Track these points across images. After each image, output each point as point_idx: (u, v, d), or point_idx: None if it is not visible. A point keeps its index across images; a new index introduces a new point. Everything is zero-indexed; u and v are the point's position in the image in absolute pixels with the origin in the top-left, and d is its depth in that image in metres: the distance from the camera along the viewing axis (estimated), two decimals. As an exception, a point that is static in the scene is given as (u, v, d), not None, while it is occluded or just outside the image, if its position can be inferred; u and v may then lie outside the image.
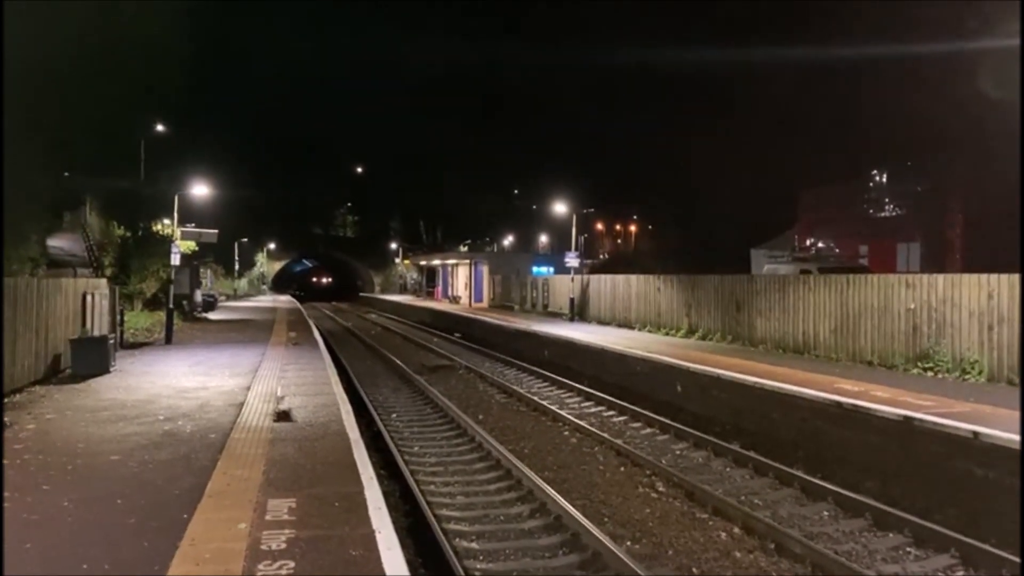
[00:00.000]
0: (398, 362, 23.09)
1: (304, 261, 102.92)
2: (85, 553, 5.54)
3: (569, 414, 14.92)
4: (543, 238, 77.59)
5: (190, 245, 32.78)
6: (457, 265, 55.27)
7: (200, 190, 26.66)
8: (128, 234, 31.76)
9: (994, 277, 13.61)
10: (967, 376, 13.69)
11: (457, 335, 32.60)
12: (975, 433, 9.24)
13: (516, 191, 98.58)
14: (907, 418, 10.23)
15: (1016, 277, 13.10)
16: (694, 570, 7.69)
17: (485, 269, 48.34)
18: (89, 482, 7.35)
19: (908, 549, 8.18)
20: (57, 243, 29.84)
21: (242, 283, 71.05)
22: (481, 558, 7.87)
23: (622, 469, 11.29)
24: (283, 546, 5.61)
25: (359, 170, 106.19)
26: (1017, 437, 8.69)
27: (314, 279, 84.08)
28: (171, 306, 22.42)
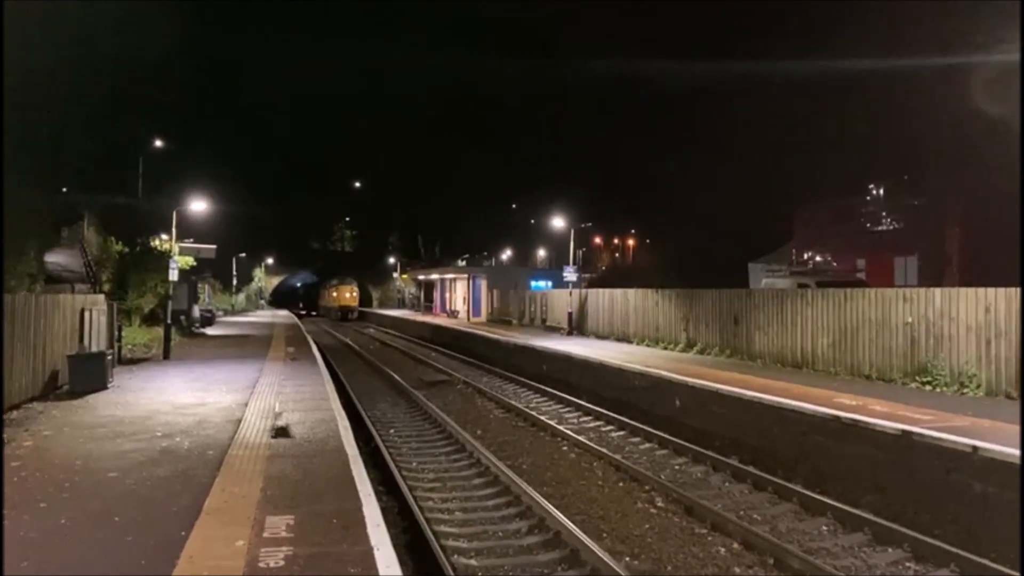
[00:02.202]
0: (396, 377, 23.07)
1: (302, 275, 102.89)
2: (83, 571, 5.52)
3: (568, 429, 14.90)
4: (541, 252, 77.78)
5: (188, 260, 32.76)
6: (455, 279, 55.27)
7: (198, 205, 26.75)
8: (126, 250, 31.76)
9: (991, 291, 13.65)
10: (965, 390, 13.70)
11: (456, 351, 32.57)
12: (974, 447, 9.24)
13: (514, 205, 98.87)
14: (906, 432, 10.23)
15: (1013, 291, 13.14)
16: (693, 586, 7.68)
17: (483, 283, 48.32)
18: (87, 499, 7.32)
19: (908, 564, 8.18)
20: (55, 259, 29.90)
21: (240, 298, 71.06)
22: (480, 575, 7.85)
23: (621, 484, 11.27)
24: (281, 563, 5.59)
25: (357, 185, 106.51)
26: (1016, 451, 8.70)
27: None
28: (169, 322, 22.41)
